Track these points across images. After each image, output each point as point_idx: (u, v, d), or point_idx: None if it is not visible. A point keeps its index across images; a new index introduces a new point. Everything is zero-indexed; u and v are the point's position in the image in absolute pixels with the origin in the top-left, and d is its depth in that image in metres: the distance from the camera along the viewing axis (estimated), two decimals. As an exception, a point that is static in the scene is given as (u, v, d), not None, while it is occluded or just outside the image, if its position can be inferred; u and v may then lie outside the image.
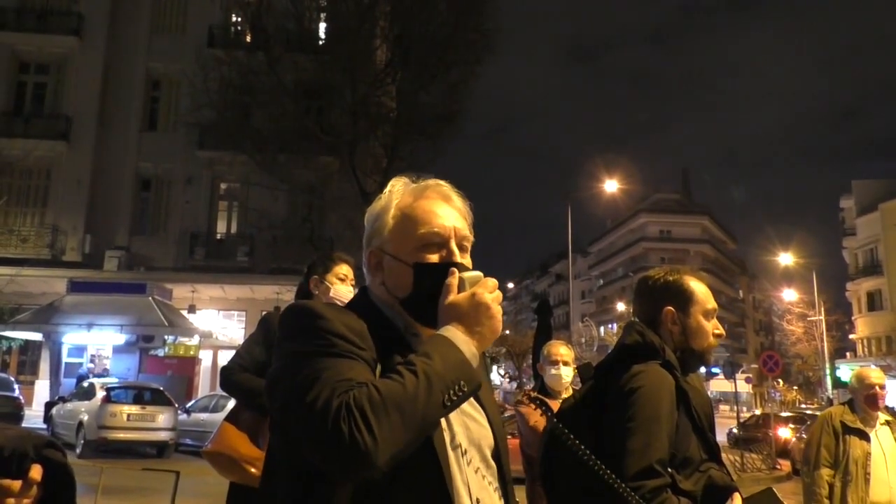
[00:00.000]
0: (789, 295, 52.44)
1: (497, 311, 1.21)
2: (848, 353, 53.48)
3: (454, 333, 1.17)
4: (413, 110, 20.69)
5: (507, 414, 13.66)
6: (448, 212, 1.33)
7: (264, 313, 3.45)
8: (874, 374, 4.16)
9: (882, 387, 4.06)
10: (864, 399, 4.08)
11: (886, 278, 46.96)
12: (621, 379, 1.94)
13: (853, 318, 52.29)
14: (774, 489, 2.17)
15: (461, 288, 1.22)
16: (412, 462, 1.11)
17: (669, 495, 1.79)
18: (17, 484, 1.04)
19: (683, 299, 2.12)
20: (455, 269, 1.24)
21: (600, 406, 1.98)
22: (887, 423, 4.11)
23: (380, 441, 1.03)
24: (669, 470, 1.85)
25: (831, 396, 39.32)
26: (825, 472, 4.01)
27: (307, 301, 1.29)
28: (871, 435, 4.03)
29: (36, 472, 1.07)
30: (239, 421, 2.96)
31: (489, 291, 1.21)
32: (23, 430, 1.20)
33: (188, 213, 22.59)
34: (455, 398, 1.12)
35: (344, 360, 1.14)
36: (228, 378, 3.02)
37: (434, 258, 1.28)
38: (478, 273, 1.25)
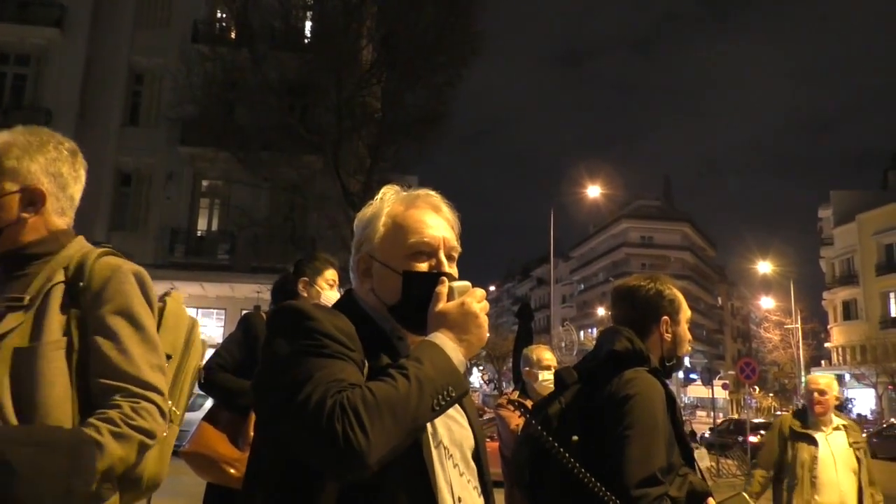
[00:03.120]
0: (767, 303, 53.11)
1: (484, 320, 1.25)
2: (823, 362, 54.21)
3: (443, 340, 1.20)
4: (398, 111, 20.66)
5: (486, 417, 13.63)
6: (438, 222, 1.36)
7: (245, 313, 3.41)
8: (819, 379, 4.33)
9: (821, 392, 4.19)
10: (807, 403, 4.27)
11: (862, 288, 47.64)
12: (612, 385, 1.95)
13: (829, 326, 53.00)
14: (745, 495, 2.19)
15: (450, 297, 1.25)
16: (398, 461, 1.12)
17: (669, 503, 1.80)
18: None
19: (674, 308, 2.18)
20: (445, 279, 1.28)
21: (588, 411, 1.98)
22: (844, 427, 4.20)
23: (373, 441, 1.05)
24: None
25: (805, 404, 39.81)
26: (758, 473, 4.29)
27: (297, 302, 1.30)
28: (821, 439, 4.13)
29: None
30: (218, 421, 2.92)
31: (477, 301, 1.25)
32: None
33: (168, 210, 22.36)
34: (444, 403, 1.15)
35: (335, 360, 1.15)
36: (207, 377, 2.97)
37: (423, 267, 1.32)
38: (466, 283, 1.29)
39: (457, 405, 1.32)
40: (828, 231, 53.04)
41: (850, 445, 4.11)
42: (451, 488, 1.23)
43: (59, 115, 22.19)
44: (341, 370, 1.13)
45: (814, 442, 4.12)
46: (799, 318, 44.30)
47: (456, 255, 1.37)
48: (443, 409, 1.16)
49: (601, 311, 60.71)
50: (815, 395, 4.19)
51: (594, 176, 30.61)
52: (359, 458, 1.04)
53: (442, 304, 1.24)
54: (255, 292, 20.84)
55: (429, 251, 1.32)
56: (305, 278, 3.04)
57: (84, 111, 22.50)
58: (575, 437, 1.91)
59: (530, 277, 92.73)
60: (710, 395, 35.46)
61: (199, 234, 23.08)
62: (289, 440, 1.13)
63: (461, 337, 1.21)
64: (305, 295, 3.01)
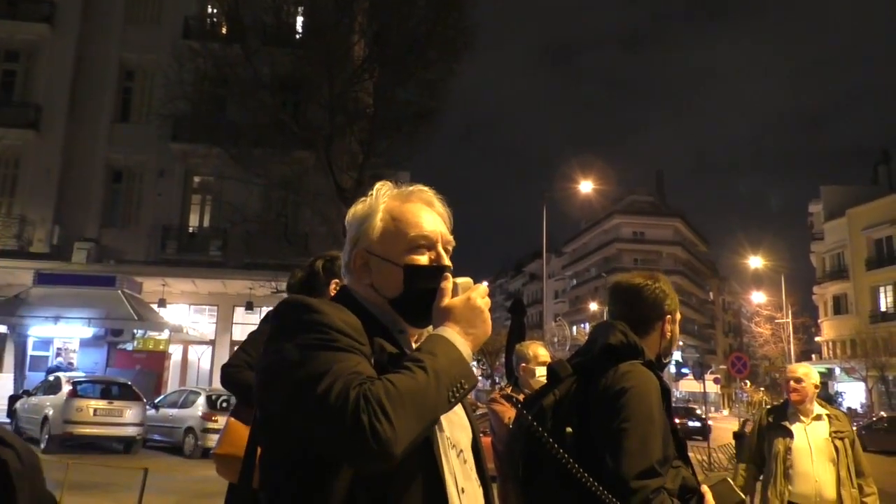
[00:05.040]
0: (758, 297, 53.37)
1: (488, 315, 1.28)
2: (814, 356, 54.50)
3: (452, 334, 1.22)
4: (390, 107, 20.61)
5: (479, 412, 13.64)
6: (433, 216, 1.38)
7: (270, 310, 3.32)
8: (797, 368, 4.32)
9: (797, 380, 4.16)
10: (785, 392, 4.28)
11: (852, 282, 47.96)
12: (608, 378, 1.96)
13: (819, 321, 53.31)
14: (731, 480, 2.23)
15: (454, 292, 1.28)
16: (410, 452, 1.12)
17: (665, 495, 1.81)
18: None
19: (674, 307, 2.25)
20: (448, 274, 1.30)
21: (584, 404, 1.99)
22: (828, 416, 4.14)
23: (399, 431, 1.06)
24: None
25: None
26: (741, 466, 4.42)
27: (302, 296, 1.29)
28: (798, 429, 4.10)
29: None
30: (245, 420, 2.75)
31: (481, 297, 1.28)
32: None
33: (160, 206, 22.26)
34: (458, 394, 1.17)
35: (349, 354, 1.16)
36: (233, 375, 2.87)
37: (423, 260, 1.33)
38: (469, 279, 1.31)
39: None
40: (818, 226, 53.30)
41: (830, 435, 4.03)
42: (455, 479, 1.24)
43: (50, 111, 22.05)
44: (356, 364, 1.14)
45: (788, 433, 4.08)
46: (790, 312, 44.57)
47: (451, 248, 1.39)
48: (457, 401, 1.17)
49: (594, 307, 60.80)
50: (791, 382, 4.17)
51: (586, 171, 30.70)
52: (385, 448, 1.04)
53: (448, 300, 1.26)
54: (248, 288, 20.80)
55: (428, 244, 1.34)
56: (338, 280, 2.87)
57: (74, 107, 22.36)
58: (569, 430, 1.92)
59: (523, 273, 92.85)
60: (702, 390, 35.61)
61: (190, 230, 22.99)
62: (305, 434, 1.12)
63: (468, 331, 1.23)
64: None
